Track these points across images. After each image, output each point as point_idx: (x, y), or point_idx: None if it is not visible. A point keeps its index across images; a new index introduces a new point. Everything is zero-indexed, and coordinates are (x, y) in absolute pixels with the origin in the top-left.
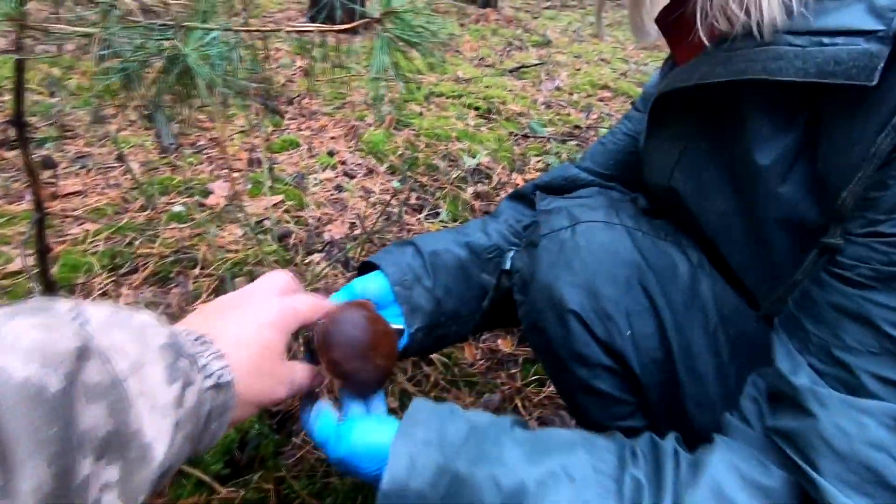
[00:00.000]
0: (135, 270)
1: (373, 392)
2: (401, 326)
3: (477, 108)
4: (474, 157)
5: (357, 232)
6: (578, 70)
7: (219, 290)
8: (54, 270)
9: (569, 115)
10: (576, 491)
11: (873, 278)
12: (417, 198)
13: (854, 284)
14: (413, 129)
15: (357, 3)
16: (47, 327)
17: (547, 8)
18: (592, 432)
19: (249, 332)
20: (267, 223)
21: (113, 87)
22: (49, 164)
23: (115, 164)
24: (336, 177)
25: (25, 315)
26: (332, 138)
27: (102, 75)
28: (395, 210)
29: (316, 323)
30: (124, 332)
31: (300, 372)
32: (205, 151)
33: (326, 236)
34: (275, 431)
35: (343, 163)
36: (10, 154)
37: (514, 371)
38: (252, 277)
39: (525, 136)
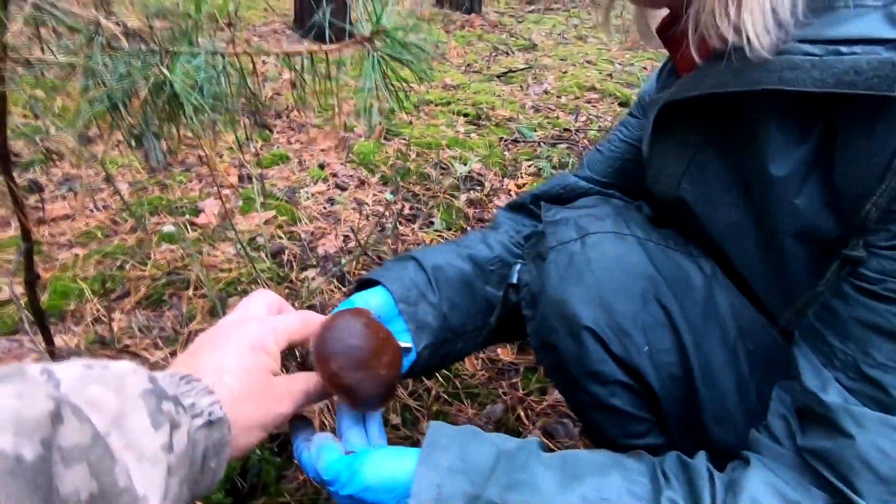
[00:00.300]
0: (127, 294)
1: (377, 408)
2: (408, 344)
3: (466, 115)
4: (465, 165)
5: (351, 245)
6: (565, 73)
7: (213, 311)
8: (44, 298)
9: (557, 118)
10: None
11: None
12: (410, 208)
13: (882, 299)
14: (403, 139)
15: (345, 21)
16: (19, 394)
17: (531, 12)
18: (618, 453)
19: (230, 359)
20: (260, 240)
21: (99, 113)
22: (35, 188)
23: (103, 186)
24: (328, 189)
25: None
26: (323, 150)
27: (88, 104)
28: (389, 222)
29: (309, 338)
30: (101, 386)
31: (298, 382)
32: (193, 169)
33: (321, 251)
34: (276, 455)
35: (334, 175)
36: None
37: (515, 380)
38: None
39: (515, 141)
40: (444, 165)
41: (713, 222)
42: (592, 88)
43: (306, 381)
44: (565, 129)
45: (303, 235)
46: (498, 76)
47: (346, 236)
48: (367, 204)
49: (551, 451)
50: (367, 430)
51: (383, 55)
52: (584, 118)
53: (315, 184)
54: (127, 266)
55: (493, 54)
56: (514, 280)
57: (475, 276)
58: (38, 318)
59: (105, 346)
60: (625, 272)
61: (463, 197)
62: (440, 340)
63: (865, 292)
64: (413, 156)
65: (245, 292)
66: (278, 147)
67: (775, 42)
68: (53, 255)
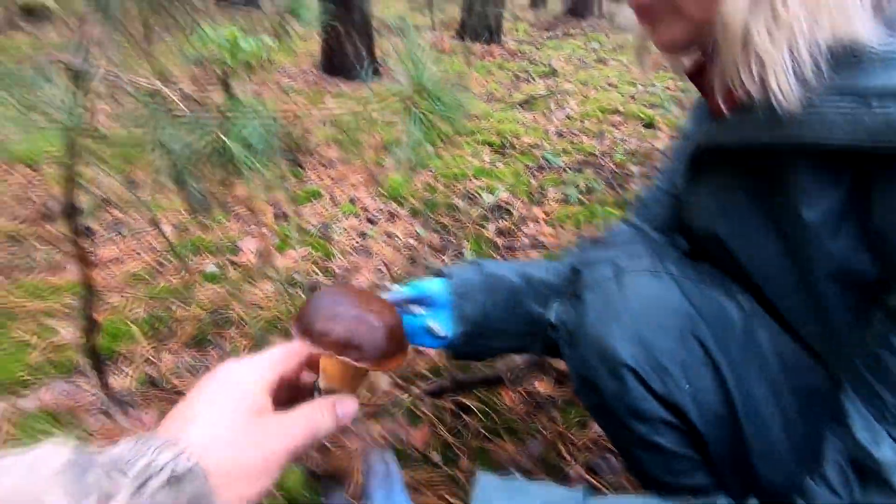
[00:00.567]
0: (174, 335)
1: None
2: (443, 332)
3: (491, 144)
4: (493, 194)
5: (385, 279)
6: (587, 97)
7: (256, 349)
8: (98, 341)
9: (582, 142)
10: None
11: None
12: (441, 239)
13: None
14: (431, 171)
15: (372, 59)
16: None
17: (549, 38)
18: (662, 495)
19: (200, 406)
20: (297, 277)
21: (147, 159)
22: (88, 233)
23: (149, 229)
24: (359, 224)
25: None
26: (353, 185)
27: (154, 173)
28: (420, 254)
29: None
30: (12, 476)
31: (296, 416)
32: (232, 209)
33: (355, 285)
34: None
35: (365, 209)
36: (51, 227)
37: (554, 414)
38: (286, 334)
39: (541, 168)
40: (471, 195)
41: (751, 261)
42: (616, 111)
43: (307, 412)
44: (590, 154)
45: (337, 270)
46: (520, 104)
47: (379, 270)
48: (399, 237)
49: (596, 489)
50: (393, 497)
51: (424, 112)
52: (608, 141)
53: (347, 218)
54: (173, 307)
55: (514, 82)
56: (552, 319)
57: (523, 291)
58: (94, 360)
59: (155, 387)
60: (662, 310)
61: (491, 227)
62: (476, 332)
63: None
64: (440, 187)
65: (285, 330)
66: (311, 184)
67: (802, 97)
68: (105, 298)
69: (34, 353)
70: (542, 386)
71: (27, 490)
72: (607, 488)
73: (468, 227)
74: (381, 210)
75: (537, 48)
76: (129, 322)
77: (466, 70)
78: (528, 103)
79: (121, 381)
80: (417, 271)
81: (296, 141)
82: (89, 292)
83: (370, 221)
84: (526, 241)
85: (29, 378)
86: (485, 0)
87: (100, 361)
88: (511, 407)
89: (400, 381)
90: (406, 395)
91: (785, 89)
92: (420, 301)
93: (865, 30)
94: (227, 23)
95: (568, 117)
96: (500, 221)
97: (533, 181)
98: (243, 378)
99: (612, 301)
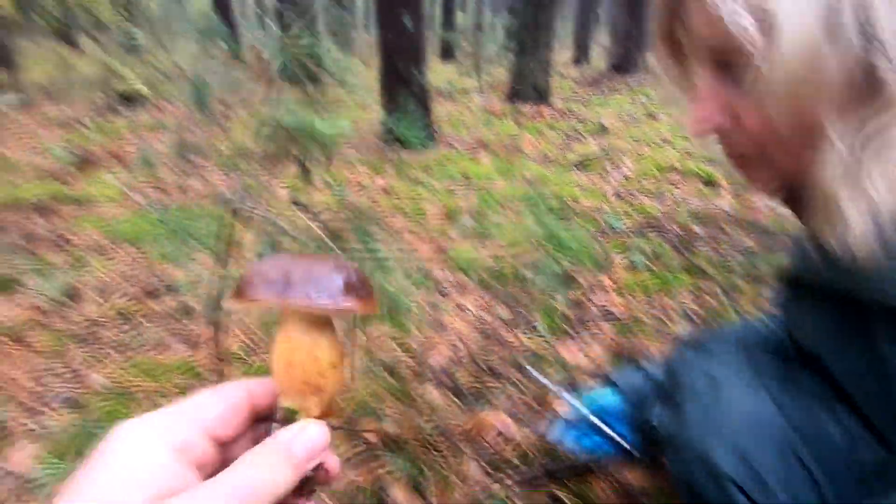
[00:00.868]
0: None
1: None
2: (627, 445)
3: (551, 209)
4: (558, 263)
5: (461, 355)
6: (641, 154)
7: (349, 435)
8: None
9: (642, 204)
10: None
11: None
12: (511, 311)
13: None
14: (495, 240)
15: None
16: None
17: (595, 95)
18: None
19: (85, 485)
20: (382, 355)
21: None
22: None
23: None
24: (431, 297)
25: None
26: (421, 256)
27: None
28: (494, 329)
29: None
30: None
31: (230, 482)
32: None
33: (433, 362)
34: None
35: (435, 281)
36: (153, 304)
37: None
38: (375, 414)
39: (603, 233)
40: (537, 264)
41: (850, 386)
42: (673, 169)
43: (242, 471)
44: (652, 216)
45: (414, 346)
46: (575, 164)
47: (454, 345)
48: (470, 310)
49: None
50: None
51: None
52: (669, 202)
53: (418, 291)
54: None
55: (566, 141)
56: (654, 421)
57: None
58: None
59: None
60: (759, 427)
61: (560, 298)
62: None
63: None
64: (507, 256)
65: (374, 410)
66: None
67: (882, 259)
68: (206, 378)
69: None
70: (633, 477)
71: None
72: None
73: (537, 298)
74: (450, 282)
75: (585, 105)
76: None
77: (518, 131)
78: (583, 164)
79: None
80: (491, 345)
81: (365, 213)
82: (220, 376)
83: (441, 294)
84: (596, 311)
85: None
86: (532, 61)
87: None
88: (605, 500)
89: (489, 470)
90: (497, 486)
91: (866, 252)
92: (597, 414)
93: None
94: (297, 97)
95: (625, 177)
96: (568, 292)
97: (597, 247)
98: (142, 444)
99: (711, 414)
